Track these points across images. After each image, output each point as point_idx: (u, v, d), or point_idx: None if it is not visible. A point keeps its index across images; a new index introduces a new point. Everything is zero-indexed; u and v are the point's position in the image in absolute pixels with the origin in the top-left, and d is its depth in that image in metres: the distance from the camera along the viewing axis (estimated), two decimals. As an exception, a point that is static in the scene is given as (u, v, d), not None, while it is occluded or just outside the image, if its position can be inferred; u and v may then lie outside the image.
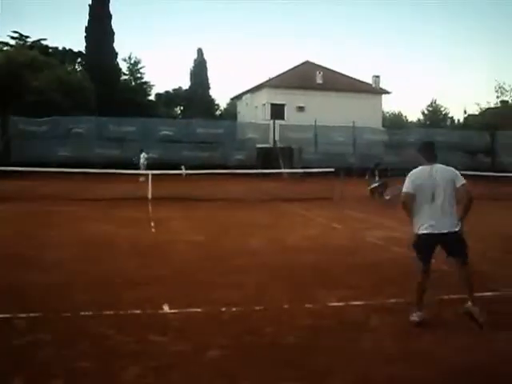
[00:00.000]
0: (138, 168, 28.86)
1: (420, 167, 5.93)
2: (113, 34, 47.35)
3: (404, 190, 5.88)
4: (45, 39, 49.48)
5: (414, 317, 5.73)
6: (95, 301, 6.46)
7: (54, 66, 41.04)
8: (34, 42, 48.63)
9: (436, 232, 5.67)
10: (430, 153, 5.97)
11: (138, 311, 6.11)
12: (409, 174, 5.94)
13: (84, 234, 11.49)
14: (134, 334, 5.38)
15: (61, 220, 13.72)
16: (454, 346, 5.19)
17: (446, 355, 4.97)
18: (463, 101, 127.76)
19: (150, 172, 20.54)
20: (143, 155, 30.74)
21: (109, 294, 6.80)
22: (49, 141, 33.40)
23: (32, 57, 40.12)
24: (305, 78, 43.79)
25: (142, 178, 25.81)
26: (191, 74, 57.46)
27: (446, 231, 5.68)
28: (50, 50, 48.84)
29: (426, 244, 5.79)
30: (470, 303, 5.72)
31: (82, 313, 5.98)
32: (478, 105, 55.67)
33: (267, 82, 45.13)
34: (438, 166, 5.88)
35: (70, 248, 9.92)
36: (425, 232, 5.70)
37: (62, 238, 11.04)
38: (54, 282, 7.37)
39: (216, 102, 61.51)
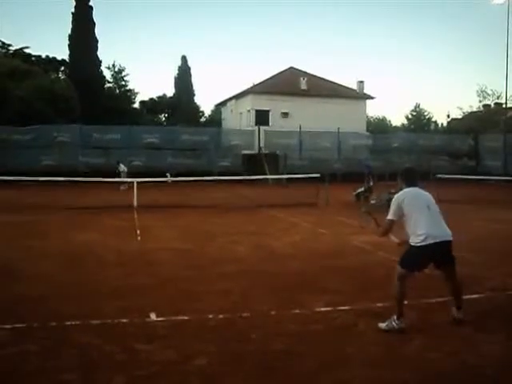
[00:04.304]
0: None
1: (403, 190, 5.93)
2: (96, 41, 47.23)
3: (389, 217, 5.81)
4: (27, 47, 49.28)
5: (399, 324, 5.65)
6: (81, 310, 6.41)
7: (37, 74, 40.77)
8: (16, 50, 48.30)
9: (438, 241, 5.58)
10: (412, 178, 6.04)
11: (125, 320, 6.07)
12: (394, 199, 5.89)
13: (70, 244, 11.41)
14: (120, 343, 5.35)
15: (46, 229, 13.60)
16: (442, 349, 5.21)
17: (434, 358, 4.99)
18: (446, 105, 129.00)
19: (134, 180, 20.37)
20: (121, 167, 30.16)
21: (95, 303, 6.75)
22: (33, 149, 33.18)
23: (14, 65, 39.83)
24: (289, 83, 43.99)
25: (122, 187, 25.60)
26: (175, 81, 57.42)
27: (448, 239, 5.68)
28: (33, 59, 48.56)
29: (428, 255, 5.64)
30: (458, 309, 5.83)
31: (68, 322, 5.93)
32: (461, 109, 56.28)
33: (252, 88, 45.24)
34: (420, 190, 5.96)
35: (56, 258, 9.84)
36: (430, 242, 5.55)
37: (47, 247, 10.94)
38: (40, 292, 7.31)
39: (201, 109, 61.65)
